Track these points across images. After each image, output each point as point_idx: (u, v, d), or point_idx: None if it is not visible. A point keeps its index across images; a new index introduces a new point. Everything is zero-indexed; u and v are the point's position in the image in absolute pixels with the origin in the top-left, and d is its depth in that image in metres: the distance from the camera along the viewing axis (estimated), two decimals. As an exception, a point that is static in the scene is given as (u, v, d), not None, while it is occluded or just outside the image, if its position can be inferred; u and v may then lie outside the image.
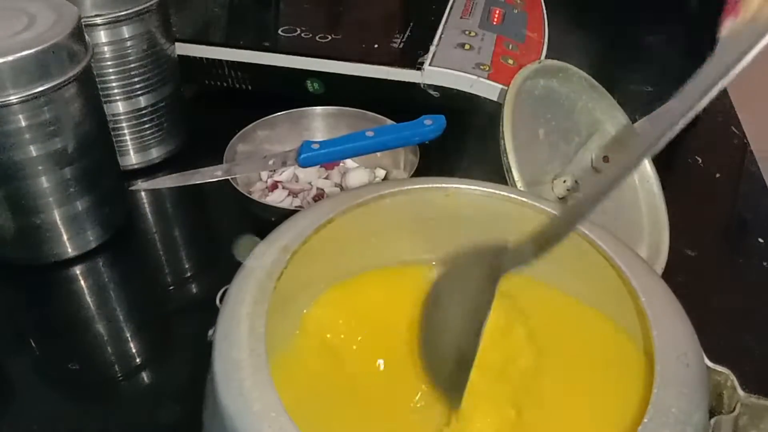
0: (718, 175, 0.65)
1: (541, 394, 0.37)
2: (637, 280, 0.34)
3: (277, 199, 0.59)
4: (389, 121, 0.62)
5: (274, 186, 0.60)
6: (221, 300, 0.33)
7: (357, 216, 0.38)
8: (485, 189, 0.40)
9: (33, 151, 0.51)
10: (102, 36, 0.59)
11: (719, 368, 0.32)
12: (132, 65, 0.61)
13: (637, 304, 0.33)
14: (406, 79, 0.68)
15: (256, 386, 0.28)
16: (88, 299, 0.55)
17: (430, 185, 0.40)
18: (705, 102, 0.28)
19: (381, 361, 0.39)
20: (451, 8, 0.77)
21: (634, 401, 0.33)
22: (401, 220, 0.40)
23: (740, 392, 0.32)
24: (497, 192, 0.40)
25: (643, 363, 0.34)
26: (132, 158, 0.66)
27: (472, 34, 0.72)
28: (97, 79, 0.56)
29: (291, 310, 0.38)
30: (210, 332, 0.32)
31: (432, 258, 0.42)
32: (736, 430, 0.32)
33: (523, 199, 0.39)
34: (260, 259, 0.34)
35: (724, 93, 0.75)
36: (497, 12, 0.77)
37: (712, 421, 0.30)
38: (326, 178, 0.62)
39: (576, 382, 0.37)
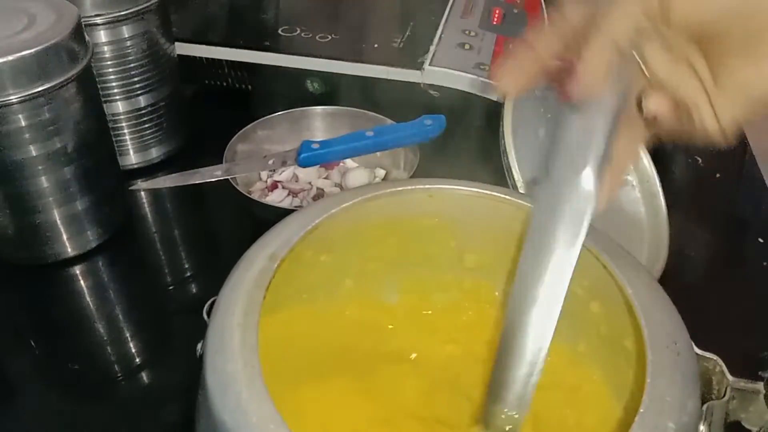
0: (718, 175, 0.65)
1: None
2: (622, 273, 0.34)
3: (277, 198, 0.59)
4: (389, 121, 0.62)
5: (274, 186, 0.60)
6: (209, 312, 0.32)
7: (343, 220, 0.38)
8: (469, 189, 0.40)
9: (33, 150, 0.51)
10: (102, 36, 0.59)
11: (707, 354, 0.33)
12: (132, 65, 0.61)
13: (624, 297, 0.33)
14: (406, 79, 0.68)
15: (252, 398, 0.28)
16: (88, 299, 0.55)
17: (413, 186, 0.40)
18: None
19: None
20: (451, 8, 0.77)
21: (627, 392, 0.34)
22: (388, 223, 0.40)
23: (729, 377, 0.32)
24: (481, 191, 0.40)
25: (633, 356, 0.35)
26: (132, 158, 0.66)
27: (472, 33, 0.72)
28: (97, 79, 0.56)
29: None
30: (198, 346, 0.32)
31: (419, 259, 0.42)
32: (726, 415, 0.32)
33: (507, 197, 0.39)
34: (248, 269, 0.33)
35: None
36: (497, 12, 0.77)
37: (704, 407, 0.30)
38: (326, 178, 0.62)
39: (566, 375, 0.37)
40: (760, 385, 0.32)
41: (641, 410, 0.28)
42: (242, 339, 0.30)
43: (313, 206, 0.38)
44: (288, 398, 0.31)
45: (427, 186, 0.40)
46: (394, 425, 0.37)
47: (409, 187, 0.39)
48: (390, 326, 0.42)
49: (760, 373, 0.37)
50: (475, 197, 0.39)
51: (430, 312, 0.43)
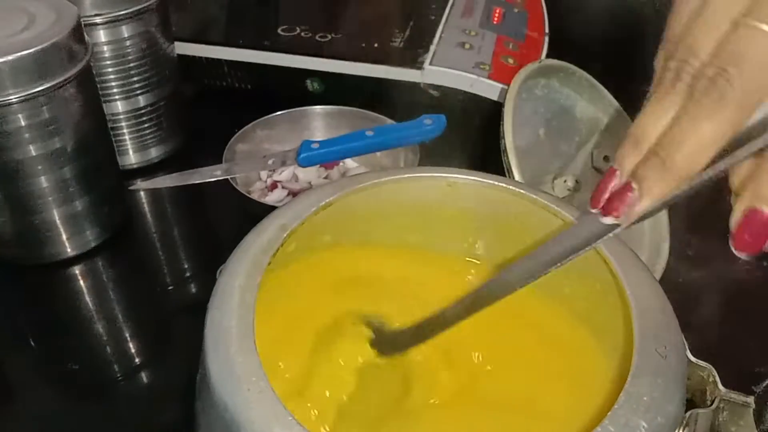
0: (718, 175, 0.65)
1: (511, 378, 0.37)
2: (624, 272, 0.34)
3: (277, 198, 0.59)
4: (389, 121, 0.62)
5: (274, 186, 0.60)
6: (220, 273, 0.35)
7: (357, 200, 0.39)
8: (487, 180, 0.40)
9: (32, 150, 0.51)
10: (101, 35, 0.59)
11: (702, 363, 0.33)
12: (131, 64, 0.61)
13: (622, 296, 0.33)
14: (406, 79, 0.68)
15: (240, 351, 0.30)
16: (88, 299, 0.55)
17: (433, 174, 0.41)
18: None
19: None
20: (451, 7, 0.77)
21: (609, 389, 0.34)
22: (401, 207, 0.41)
23: (720, 387, 0.32)
24: (498, 184, 0.40)
25: (621, 353, 0.35)
26: (131, 158, 0.66)
27: (473, 33, 0.72)
28: (96, 79, 0.56)
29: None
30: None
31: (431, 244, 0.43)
32: (715, 426, 0.32)
33: (523, 191, 0.39)
34: (259, 236, 0.36)
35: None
36: (497, 11, 0.77)
37: (688, 413, 0.30)
38: (326, 177, 0.62)
39: (551, 368, 0.38)
40: (751, 399, 0.32)
41: (615, 406, 0.28)
42: (241, 299, 0.32)
43: (330, 185, 0.39)
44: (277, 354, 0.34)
45: (446, 175, 0.41)
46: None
47: (427, 175, 0.41)
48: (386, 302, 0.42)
49: (753, 388, 0.37)
50: (490, 189, 0.40)
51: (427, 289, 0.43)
